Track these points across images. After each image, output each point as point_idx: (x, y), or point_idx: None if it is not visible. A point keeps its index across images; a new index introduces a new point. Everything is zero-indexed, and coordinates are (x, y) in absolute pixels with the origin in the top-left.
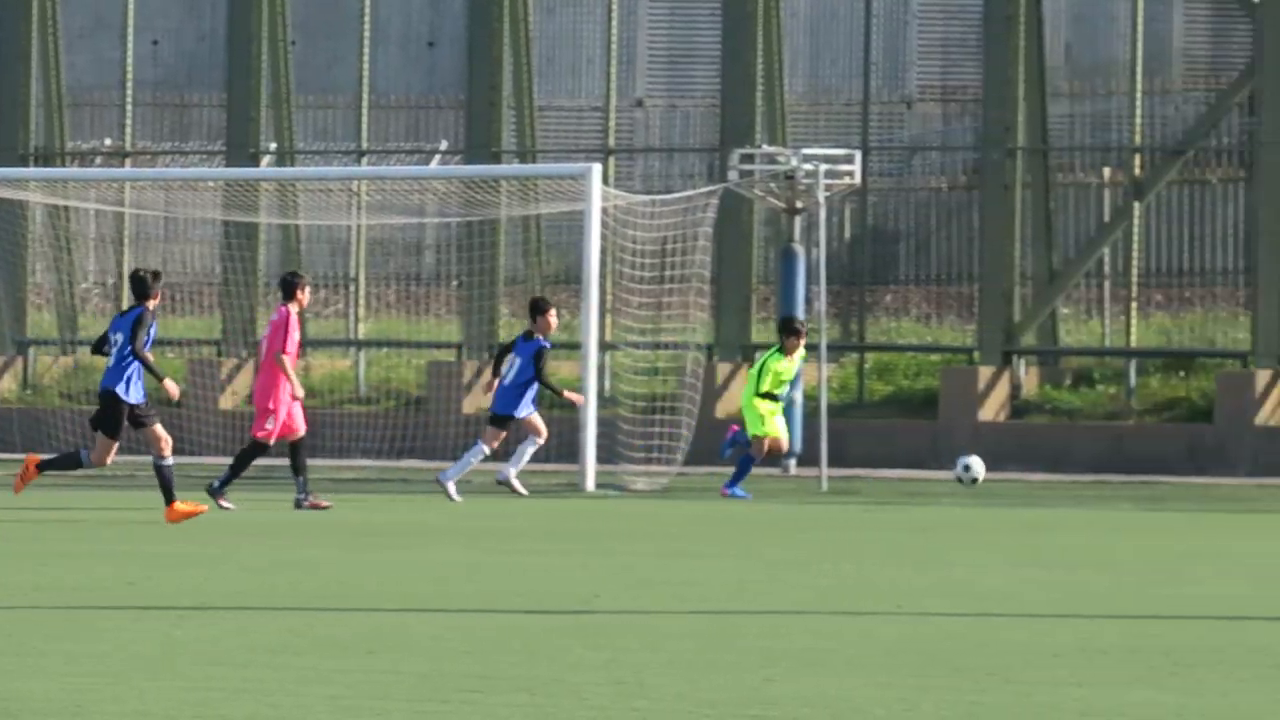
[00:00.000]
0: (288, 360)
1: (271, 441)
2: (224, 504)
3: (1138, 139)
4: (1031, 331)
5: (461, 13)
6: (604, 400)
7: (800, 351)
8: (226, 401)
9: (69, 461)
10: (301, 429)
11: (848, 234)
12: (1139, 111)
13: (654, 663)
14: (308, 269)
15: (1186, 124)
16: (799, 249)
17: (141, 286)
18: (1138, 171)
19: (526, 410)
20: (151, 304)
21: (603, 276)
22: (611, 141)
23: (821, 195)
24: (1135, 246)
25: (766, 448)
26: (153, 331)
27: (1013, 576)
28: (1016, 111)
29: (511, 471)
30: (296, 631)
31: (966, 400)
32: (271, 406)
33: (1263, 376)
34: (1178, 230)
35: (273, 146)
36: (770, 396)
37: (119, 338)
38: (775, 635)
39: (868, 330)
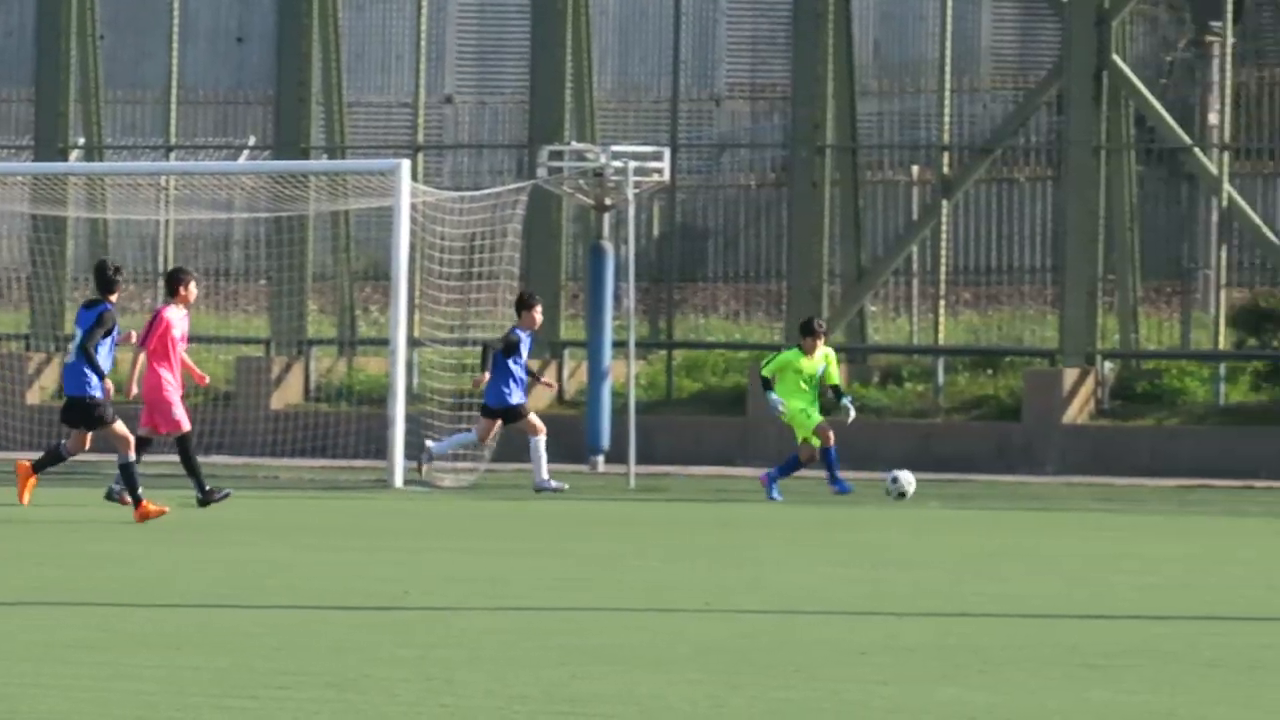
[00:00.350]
0: (144, 356)
1: (185, 427)
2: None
3: (946, 137)
4: (840, 329)
5: (270, 9)
6: (412, 397)
7: (821, 350)
8: (34, 396)
9: (54, 458)
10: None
11: (656, 231)
12: (947, 110)
13: (463, 659)
14: (116, 263)
15: (994, 122)
16: (608, 246)
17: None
18: (946, 170)
19: (519, 399)
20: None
21: (411, 273)
22: (420, 138)
23: (630, 192)
24: (943, 244)
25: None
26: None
27: (821, 574)
28: (825, 109)
29: (540, 472)
30: (102, 627)
31: None
32: (168, 398)
33: (1070, 375)
34: (986, 228)
35: (81, 141)
36: (767, 384)
37: (76, 333)
38: (584, 632)
39: (676, 327)
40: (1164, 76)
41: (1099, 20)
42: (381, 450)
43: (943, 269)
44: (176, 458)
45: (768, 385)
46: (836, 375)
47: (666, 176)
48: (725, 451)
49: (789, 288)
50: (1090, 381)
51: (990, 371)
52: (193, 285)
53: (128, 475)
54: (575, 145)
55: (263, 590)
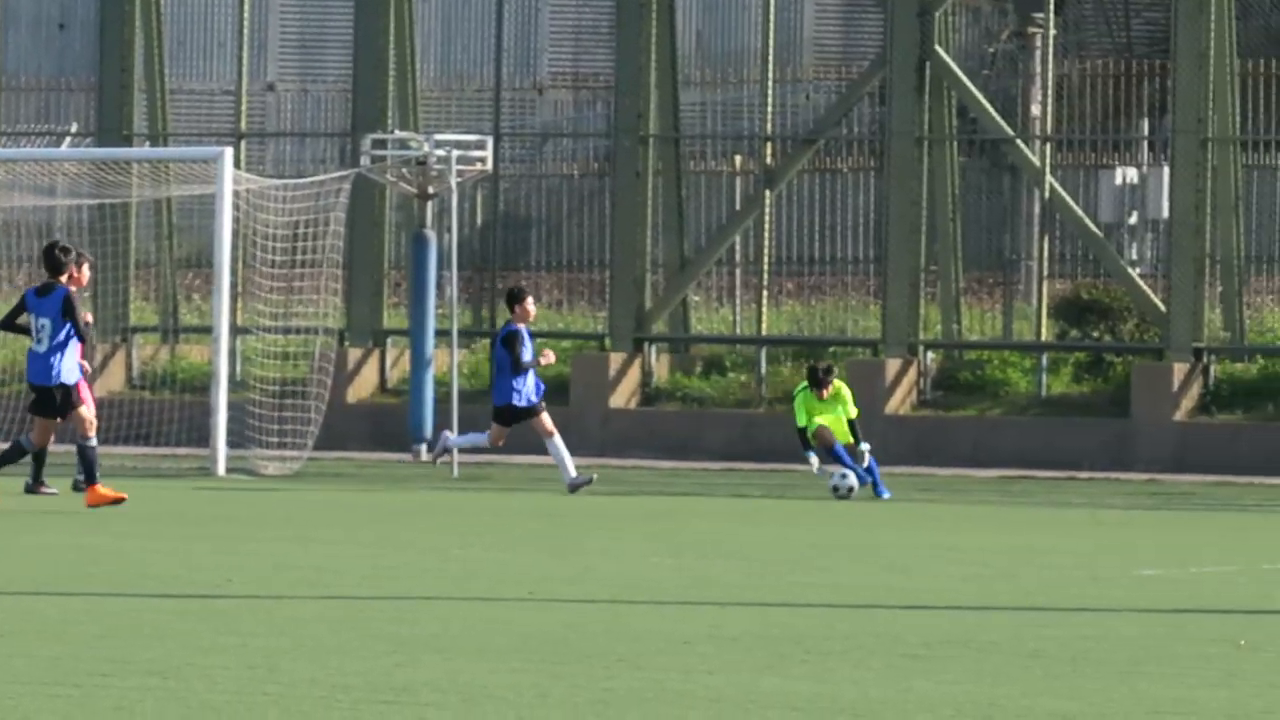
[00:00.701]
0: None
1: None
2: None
3: (769, 128)
4: (663, 319)
5: None
6: (235, 385)
7: (833, 390)
8: None
9: (15, 453)
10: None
11: (479, 220)
12: (770, 100)
13: (286, 647)
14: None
15: (817, 113)
16: (431, 234)
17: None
18: (769, 160)
19: (528, 400)
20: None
21: (234, 260)
22: (243, 125)
23: (454, 181)
24: (766, 235)
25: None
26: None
27: (644, 564)
28: (648, 99)
29: (568, 472)
30: None
31: (598, 387)
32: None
33: (892, 365)
34: (809, 219)
35: None
36: (802, 433)
37: (45, 323)
38: (407, 621)
39: (499, 316)
40: (986, 68)
41: (921, 11)
42: (204, 438)
43: (766, 259)
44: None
45: (805, 442)
46: (854, 410)
47: (489, 165)
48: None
49: (611, 277)
50: (912, 372)
51: (812, 361)
52: (86, 268)
53: (85, 457)
54: (398, 134)
55: (85, 578)
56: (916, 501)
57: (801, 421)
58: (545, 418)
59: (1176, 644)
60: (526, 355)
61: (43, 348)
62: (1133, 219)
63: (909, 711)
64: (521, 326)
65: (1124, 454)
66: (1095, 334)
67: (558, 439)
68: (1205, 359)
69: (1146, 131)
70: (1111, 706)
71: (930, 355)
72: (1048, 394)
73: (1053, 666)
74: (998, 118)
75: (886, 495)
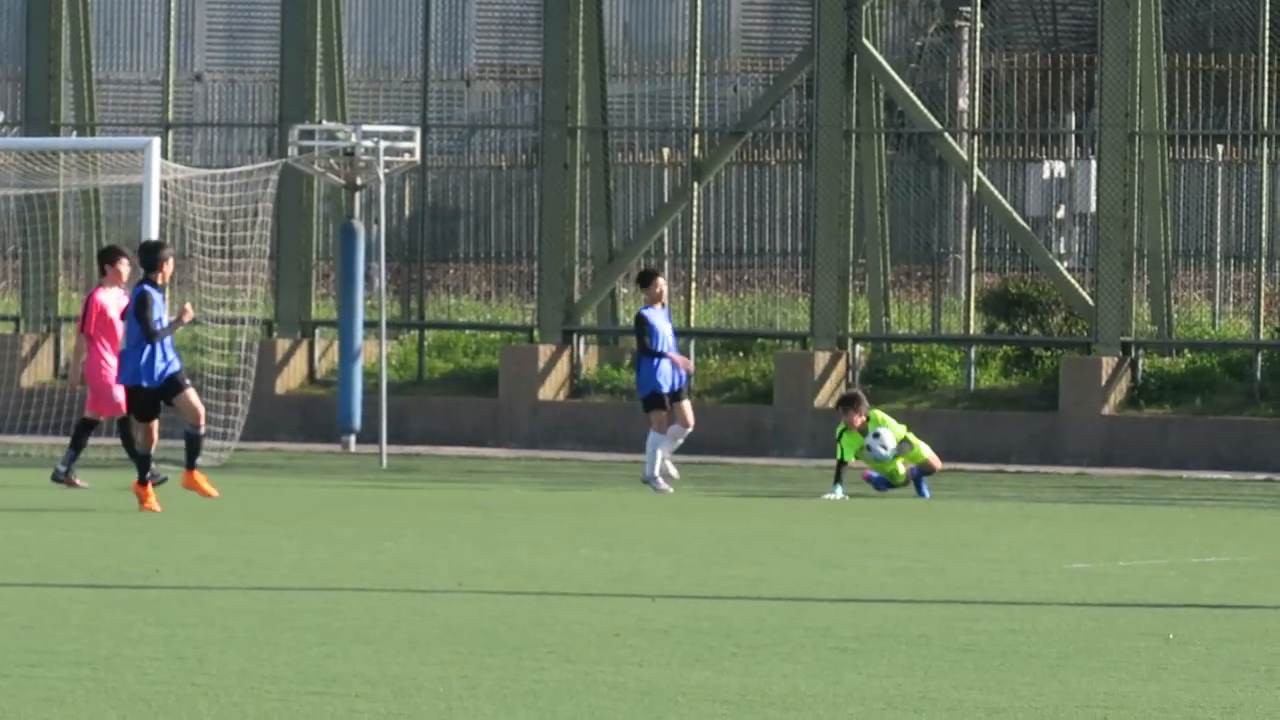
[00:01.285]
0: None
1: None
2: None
3: (696, 120)
4: (591, 311)
5: None
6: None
7: (865, 418)
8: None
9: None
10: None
11: (408, 211)
12: (698, 93)
13: (215, 638)
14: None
15: (745, 106)
16: (359, 225)
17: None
18: (696, 153)
19: (666, 385)
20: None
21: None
22: (170, 115)
23: (381, 172)
24: (695, 227)
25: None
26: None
27: (573, 556)
28: (576, 91)
29: (657, 468)
30: None
31: (526, 378)
32: (108, 381)
33: (821, 358)
34: (737, 212)
35: None
36: (841, 467)
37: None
38: (336, 613)
39: (428, 307)
40: (914, 61)
41: (849, 4)
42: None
43: (694, 252)
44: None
45: (839, 475)
46: (900, 432)
47: (417, 156)
48: (477, 432)
49: (540, 269)
50: (841, 365)
51: (741, 354)
52: (124, 264)
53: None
54: (326, 124)
55: (12, 569)
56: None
57: (846, 456)
58: (688, 404)
59: (1106, 638)
60: (657, 343)
61: (126, 345)
62: (1060, 213)
63: (839, 704)
64: (654, 309)
65: (1052, 447)
66: (1023, 328)
67: (663, 437)
68: (1133, 353)
69: (1074, 125)
70: (1042, 700)
71: (859, 348)
72: (976, 387)
73: (983, 660)
74: (925, 111)
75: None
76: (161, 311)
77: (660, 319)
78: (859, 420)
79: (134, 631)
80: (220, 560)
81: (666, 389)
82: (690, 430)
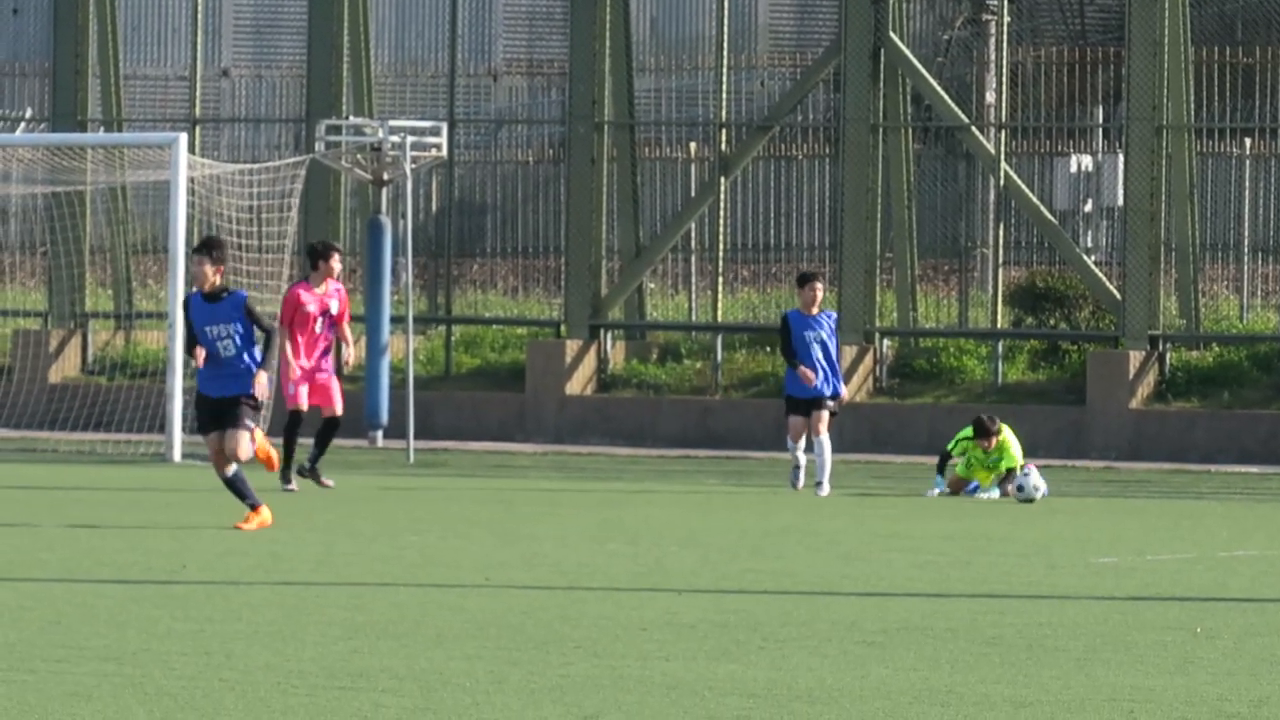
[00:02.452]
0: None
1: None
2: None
3: (724, 114)
4: (618, 305)
5: None
6: (191, 371)
7: (999, 442)
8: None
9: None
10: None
11: (435, 206)
12: (725, 87)
13: (241, 633)
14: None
15: (772, 100)
16: (386, 221)
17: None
18: (723, 147)
19: (798, 390)
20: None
21: (189, 246)
22: (197, 111)
23: (408, 167)
24: (722, 221)
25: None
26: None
27: (600, 550)
28: (603, 86)
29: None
30: None
31: (553, 373)
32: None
33: (849, 352)
34: (763, 206)
35: None
36: (944, 459)
37: (234, 329)
38: (362, 607)
39: (455, 303)
40: (941, 55)
41: None
42: (160, 424)
43: (721, 246)
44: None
45: (941, 469)
46: (1018, 461)
47: (444, 151)
48: (504, 427)
49: (567, 264)
50: (869, 359)
51: (769, 349)
52: (335, 259)
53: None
54: (353, 120)
55: (39, 564)
56: (872, 489)
57: (959, 471)
58: (823, 415)
59: (1133, 631)
60: (793, 348)
61: (233, 353)
62: (1088, 206)
63: (866, 698)
64: (805, 312)
65: (1080, 441)
66: (1051, 322)
67: (824, 441)
68: (1161, 346)
69: (1101, 119)
70: (1069, 694)
71: (886, 343)
72: (1003, 381)
73: (1010, 654)
74: (952, 105)
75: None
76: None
77: (806, 323)
78: (988, 445)
79: (161, 626)
80: (246, 555)
81: (801, 395)
82: (820, 439)
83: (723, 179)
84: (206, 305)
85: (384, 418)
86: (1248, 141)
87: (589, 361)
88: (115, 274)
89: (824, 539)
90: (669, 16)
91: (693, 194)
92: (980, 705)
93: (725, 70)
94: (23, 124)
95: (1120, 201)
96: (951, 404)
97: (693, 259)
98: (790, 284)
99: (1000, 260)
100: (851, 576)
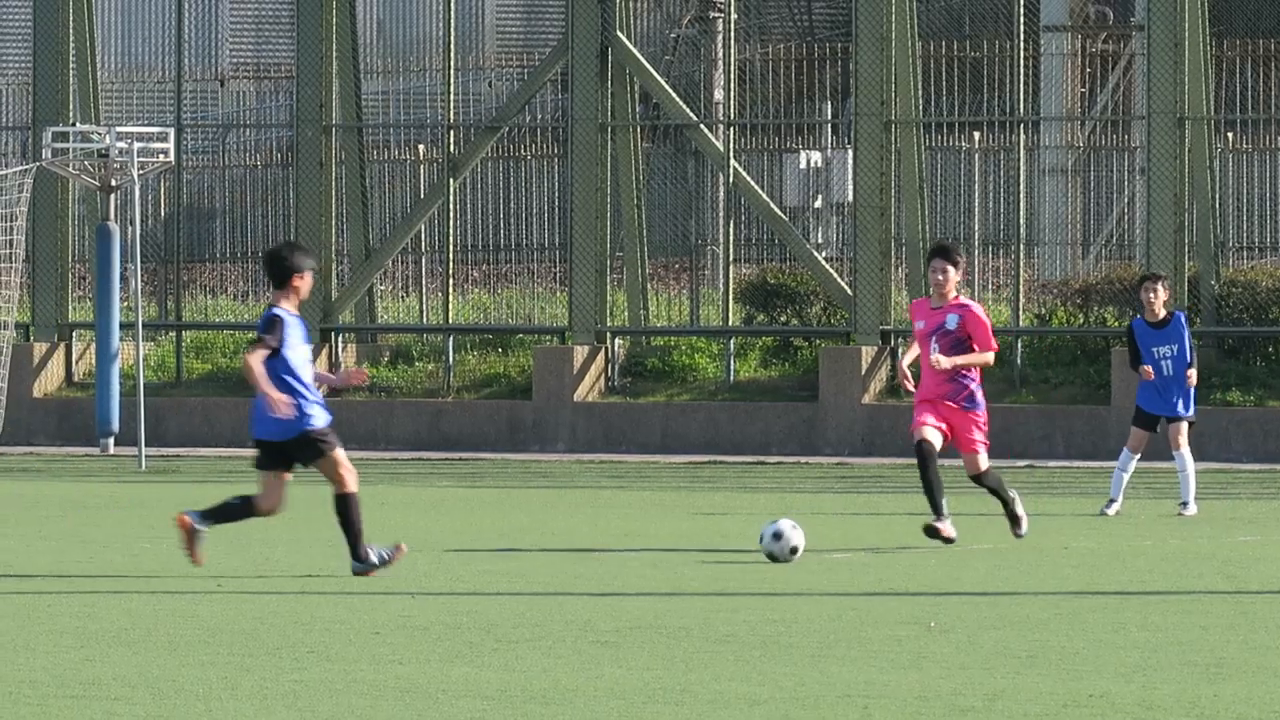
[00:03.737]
0: None
1: None
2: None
3: (452, 116)
4: (349, 308)
5: None
6: None
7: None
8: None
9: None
10: None
11: (163, 211)
12: (453, 88)
13: None
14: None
15: (500, 101)
16: (114, 227)
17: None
18: (452, 148)
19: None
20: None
21: None
22: None
23: (135, 173)
24: (452, 223)
25: None
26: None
27: (332, 554)
28: (330, 89)
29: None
30: None
31: None
32: None
33: (580, 352)
34: (493, 207)
35: None
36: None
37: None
38: (94, 615)
39: (185, 308)
40: (669, 53)
41: None
42: None
43: (451, 247)
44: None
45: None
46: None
47: (172, 157)
48: (236, 433)
49: None
50: (600, 359)
51: (500, 350)
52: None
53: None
54: (80, 127)
55: None
56: (605, 489)
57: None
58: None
59: (866, 627)
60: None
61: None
62: (818, 203)
63: (599, 698)
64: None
65: (813, 438)
66: (782, 318)
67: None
68: (892, 341)
69: (830, 115)
70: (803, 690)
71: (618, 342)
72: (735, 379)
73: (744, 651)
74: (681, 103)
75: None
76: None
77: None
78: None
79: None
80: None
81: (1150, 408)
82: (1181, 454)
83: (451, 180)
84: None
85: (115, 425)
86: (976, 135)
87: (321, 366)
88: None
89: (557, 539)
90: (396, 19)
91: (422, 196)
92: (714, 703)
93: (452, 72)
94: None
95: (850, 197)
96: (684, 402)
97: (423, 261)
98: (521, 284)
99: (731, 258)
100: (585, 576)
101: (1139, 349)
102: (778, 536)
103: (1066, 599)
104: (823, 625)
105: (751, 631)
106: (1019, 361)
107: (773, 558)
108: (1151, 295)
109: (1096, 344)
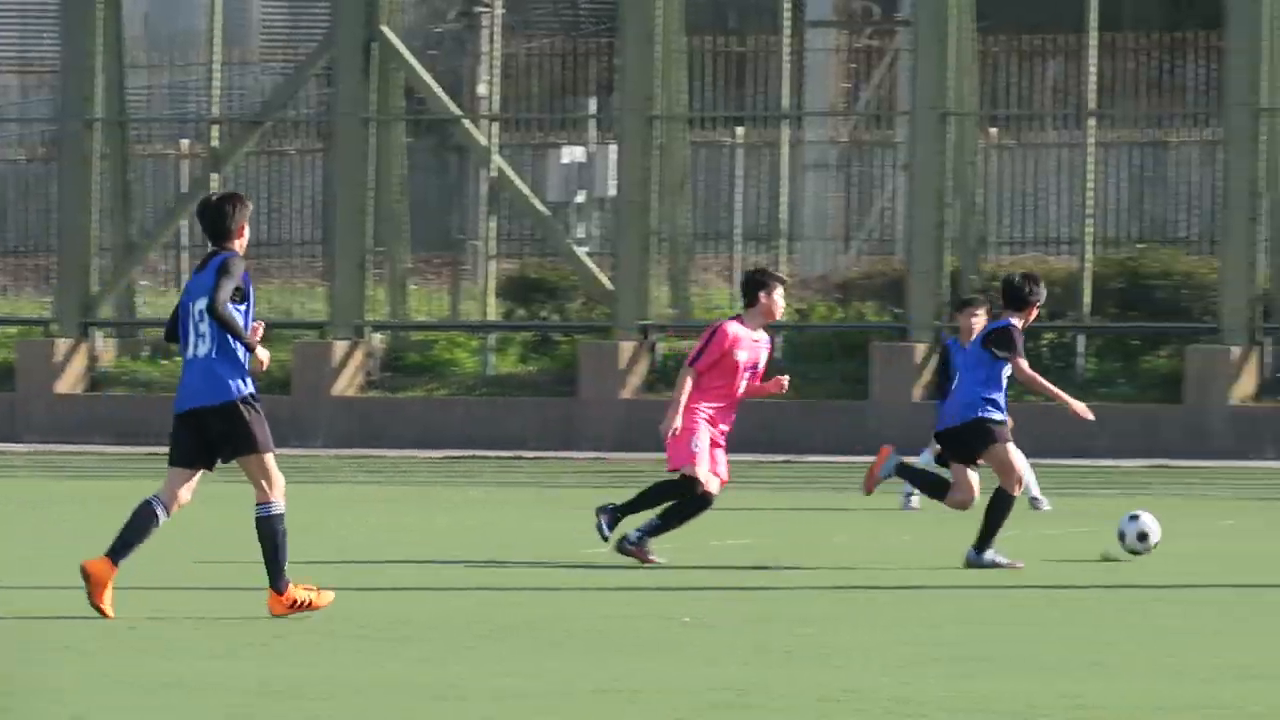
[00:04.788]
0: None
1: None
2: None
3: (216, 110)
4: (109, 303)
5: None
6: None
7: None
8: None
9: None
10: None
11: None
12: (217, 83)
13: None
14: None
15: (265, 95)
16: None
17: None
18: (215, 143)
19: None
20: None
21: None
22: None
23: None
24: None
25: None
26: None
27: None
28: (95, 83)
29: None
30: None
31: (44, 372)
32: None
33: (340, 347)
34: (256, 201)
35: None
36: None
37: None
38: None
39: None
40: (434, 47)
41: None
42: None
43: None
44: None
45: None
46: None
47: None
48: None
49: (58, 262)
50: (359, 353)
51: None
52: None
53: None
54: None
55: None
56: (363, 483)
57: None
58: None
59: (624, 621)
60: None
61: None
62: (580, 197)
63: (372, 692)
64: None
65: (572, 432)
66: (542, 313)
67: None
68: (652, 336)
69: (594, 110)
70: (566, 684)
71: (378, 336)
72: (495, 373)
73: (509, 645)
74: (445, 98)
75: None
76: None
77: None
78: None
79: None
80: None
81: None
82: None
83: (214, 175)
84: None
85: None
86: (740, 130)
87: (79, 359)
88: None
89: (314, 534)
90: (162, 13)
91: (184, 190)
92: (485, 697)
93: (218, 66)
94: None
95: (613, 192)
96: (443, 396)
97: (184, 255)
98: (283, 278)
99: (492, 252)
100: (347, 572)
101: (951, 370)
102: (1142, 537)
103: (827, 594)
104: (582, 619)
105: (515, 626)
106: (780, 355)
107: (1134, 552)
108: (973, 320)
109: (856, 339)
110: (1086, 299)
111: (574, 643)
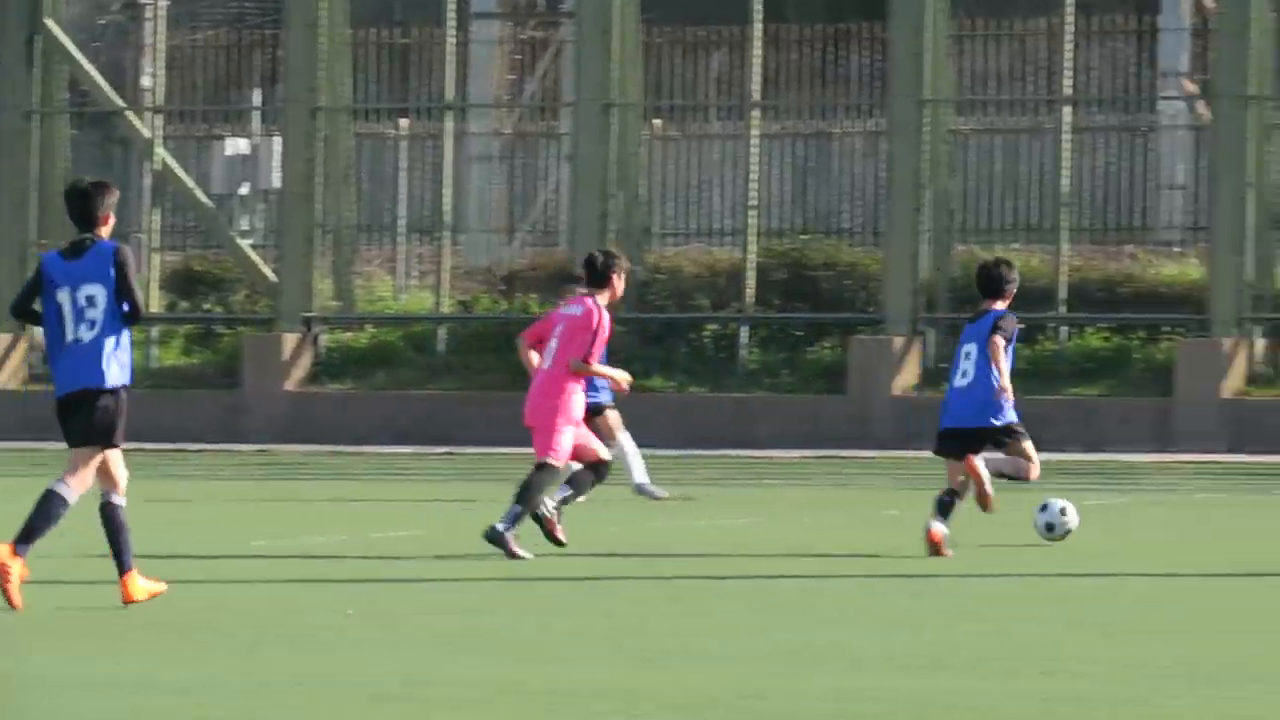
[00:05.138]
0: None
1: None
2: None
3: None
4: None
5: None
6: None
7: None
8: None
9: None
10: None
11: None
12: None
13: None
14: None
15: None
16: None
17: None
18: None
19: None
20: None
21: None
22: None
23: None
24: None
25: None
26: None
27: None
28: None
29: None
30: None
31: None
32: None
33: (3, 341)
34: None
35: None
36: None
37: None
38: None
39: None
40: (97, 40)
41: None
42: None
43: None
44: None
45: None
46: None
47: None
48: None
49: None
50: (22, 347)
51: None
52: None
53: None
54: None
55: None
56: (24, 477)
57: None
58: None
59: (291, 615)
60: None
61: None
62: (245, 190)
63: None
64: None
65: (235, 425)
66: (206, 306)
67: None
68: (315, 328)
69: (259, 102)
70: (228, 678)
71: (39, 331)
72: (158, 366)
73: (168, 638)
74: (109, 90)
75: None
76: None
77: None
78: None
79: None
80: None
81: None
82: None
83: None
84: None
85: None
86: (404, 122)
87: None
88: None
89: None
90: None
91: None
92: (140, 689)
93: None
94: None
95: (277, 184)
96: None
97: None
98: None
99: (156, 245)
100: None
101: None
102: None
103: (499, 584)
104: (253, 613)
105: (179, 620)
106: (441, 348)
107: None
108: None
109: (520, 330)
110: (750, 290)
111: (242, 637)
